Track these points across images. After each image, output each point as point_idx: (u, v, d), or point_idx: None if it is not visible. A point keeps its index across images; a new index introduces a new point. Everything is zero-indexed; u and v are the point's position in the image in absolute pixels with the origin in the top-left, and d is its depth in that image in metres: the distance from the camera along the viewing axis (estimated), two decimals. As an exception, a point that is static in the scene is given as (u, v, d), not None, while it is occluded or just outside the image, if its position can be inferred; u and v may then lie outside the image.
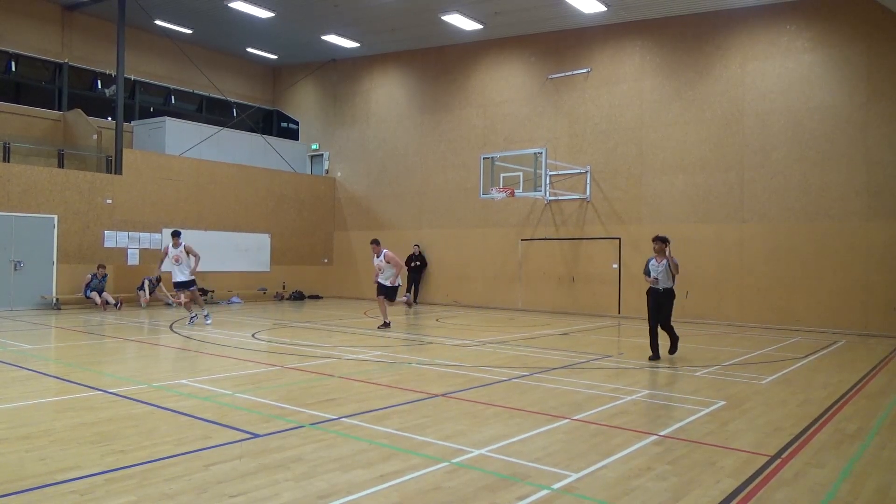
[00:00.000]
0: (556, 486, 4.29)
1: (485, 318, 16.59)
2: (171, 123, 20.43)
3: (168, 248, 13.51)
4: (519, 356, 10.03)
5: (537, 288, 18.95)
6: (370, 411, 6.20)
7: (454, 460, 4.76)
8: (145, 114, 21.86)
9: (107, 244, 17.59)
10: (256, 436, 5.29)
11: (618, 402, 6.89)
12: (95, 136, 18.83)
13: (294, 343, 11.04)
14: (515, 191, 16.74)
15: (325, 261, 23.44)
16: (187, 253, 13.33)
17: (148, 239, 18.43)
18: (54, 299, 16.59)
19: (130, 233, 18.13)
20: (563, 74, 18.67)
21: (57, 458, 4.69)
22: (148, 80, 21.99)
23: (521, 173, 16.88)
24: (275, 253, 21.76)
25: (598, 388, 7.64)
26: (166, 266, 13.72)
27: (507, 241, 19.55)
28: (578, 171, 18.13)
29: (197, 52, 22.29)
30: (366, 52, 22.38)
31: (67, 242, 16.92)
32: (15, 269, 15.80)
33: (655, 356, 9.67)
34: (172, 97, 22.90)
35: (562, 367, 8.99)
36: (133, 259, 18.20)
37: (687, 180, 16.64)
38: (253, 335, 12.12)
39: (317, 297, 22.33)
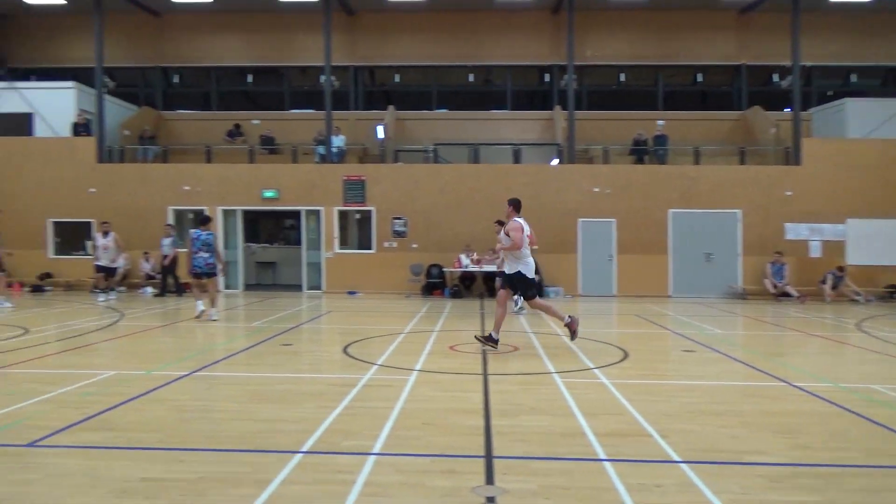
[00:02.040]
0: None
1: None
2: (851, 104, 19.01)
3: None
4: None
5: None
6: None
7: None
8: (823, 99, 20.99)
9: (788, 236, 17.69)
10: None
11: None
12: (773, 130, 19.20)
13: None
14: None
15: None
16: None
17: (830, 230, 17.58)
18: (741, 289, 17.72)
19: (811, 224, 17.71)
20: None
21: (745, 439, 5.04)
22: (824, 63, 21.04)
23: None
24: None
25: None
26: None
27: None
28: None
29: (876, 20, 20.01)
30: None
31: (750, 235, 17.82)
32: (706, 261, 17.65)
33: None
34: (852, 75, 21.25)
35: None
36: (815, 251, 17.69)
37: None
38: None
39: None
